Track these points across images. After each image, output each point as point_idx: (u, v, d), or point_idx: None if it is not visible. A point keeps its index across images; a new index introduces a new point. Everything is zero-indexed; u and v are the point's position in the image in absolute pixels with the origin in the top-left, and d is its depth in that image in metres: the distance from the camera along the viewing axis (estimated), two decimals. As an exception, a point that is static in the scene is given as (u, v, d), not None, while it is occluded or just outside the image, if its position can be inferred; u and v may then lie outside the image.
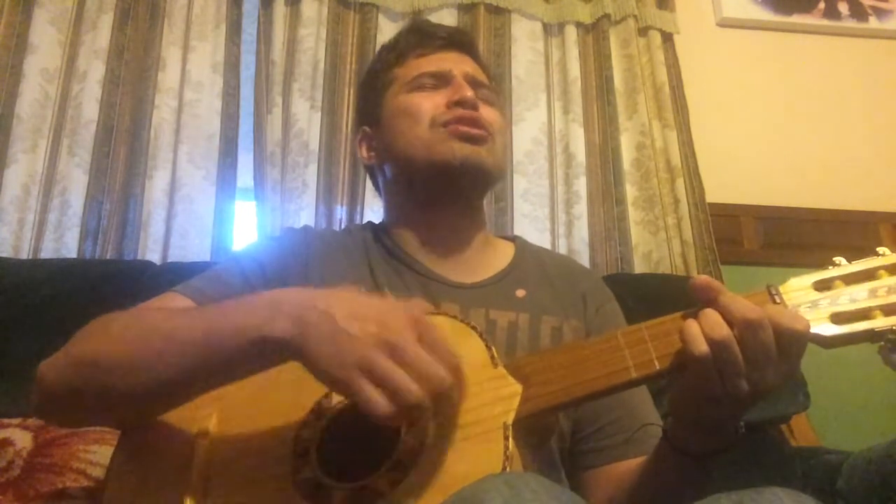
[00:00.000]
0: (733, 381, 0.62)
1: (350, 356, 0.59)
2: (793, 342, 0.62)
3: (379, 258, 0.96)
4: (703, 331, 0.63)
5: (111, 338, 0.72)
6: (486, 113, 0.95)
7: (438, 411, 0.61)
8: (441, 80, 0.97)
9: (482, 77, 1.02)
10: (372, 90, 1.04)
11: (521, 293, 0.94)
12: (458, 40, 1.05)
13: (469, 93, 0.94)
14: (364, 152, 1.04)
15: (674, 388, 0.70)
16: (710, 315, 0.63)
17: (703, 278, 0.66)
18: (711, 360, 0.62)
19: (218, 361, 0.66)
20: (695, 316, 0.65)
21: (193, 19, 1.74)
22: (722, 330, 0.62)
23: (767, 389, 0.63)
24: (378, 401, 0.57)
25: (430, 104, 0.94)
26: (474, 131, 0.92)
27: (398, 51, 1.03)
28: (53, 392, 0.74)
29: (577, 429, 0.90)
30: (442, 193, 0.95)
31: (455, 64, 0.99)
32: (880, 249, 0.67)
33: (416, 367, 0.58)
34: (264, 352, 0.64)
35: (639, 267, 1.72)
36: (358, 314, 0.61)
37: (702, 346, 0.62)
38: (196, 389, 0.72)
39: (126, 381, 0.69)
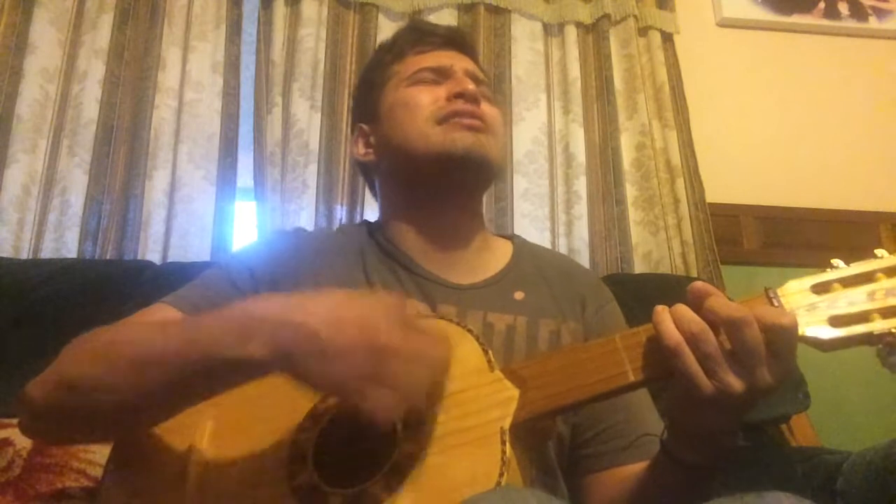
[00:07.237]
0: (720, 378, 0.61)
1: (345, 370, 0.58)
2: (781, 338, 0.61)
3: (374, 258, 0.94)
4: (675, 324, 0.63)
5: (91, 358, 0.71)
6: (487, 108, 0.95)
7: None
8: (441, 74, 0.96)
9: (482, 75, 1.02)
10: (369, 87, 1.02)
11: (519, 295, 0.92)
12: (457, 39, 1.05)
13: (471, 86, 0.93)
14: (360, 149, 1.01)
15: (668, 394, 0.69)
16: (681, 309, 0.64)
17: (698, 284, 0.66)
18: (688, 354, 0.62)
19: (194, 380, 0.66)
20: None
21: (193, 19, 1.74)
22: (692, 324, 0.62)
23: (764, 391, 0.62)
24: (386, 407, 0.57)
25: (430, 97, 0.93)
26: (476, 122, 0.91)
27: (396, 49, 1.02)
28: (40, 412, 0.73)
29: (577, 433, 0.89)
30: (443, 187, 0.93)
31: (455, 61, 0.99)
32: (878, 252, 0.66)
33: (413, 359, 0.59)
34: (239, 371, 0.64)
35: (639, 267, 1.72)
36: (337, 321, 0.59)
37: (674, 337, 0.62)
38: (179, 405, 0.71)
39: (107, 400, 0.68)
